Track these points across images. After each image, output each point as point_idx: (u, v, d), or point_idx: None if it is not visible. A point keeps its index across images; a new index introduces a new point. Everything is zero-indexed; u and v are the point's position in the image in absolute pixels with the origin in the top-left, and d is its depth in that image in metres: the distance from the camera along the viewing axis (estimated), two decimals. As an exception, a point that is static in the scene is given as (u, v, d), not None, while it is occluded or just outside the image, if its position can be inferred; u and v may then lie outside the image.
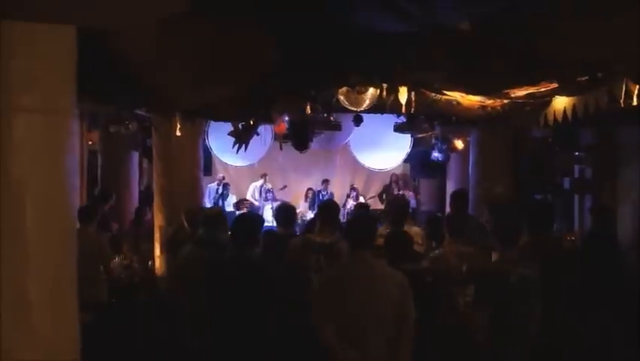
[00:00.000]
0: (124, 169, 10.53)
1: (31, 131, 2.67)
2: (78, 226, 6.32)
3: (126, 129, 8.77)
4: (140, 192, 11.02)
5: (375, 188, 13.99)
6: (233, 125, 7.40)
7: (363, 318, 3.36)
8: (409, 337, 3.42)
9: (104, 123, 8.98)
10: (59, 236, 2.81)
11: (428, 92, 5.51)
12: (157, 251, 7.79)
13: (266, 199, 12.62)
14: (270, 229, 6.13)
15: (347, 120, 9.37)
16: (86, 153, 8.59)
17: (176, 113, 6.18)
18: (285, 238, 4.97)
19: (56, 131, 2.81)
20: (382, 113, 6.81)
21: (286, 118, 8.62)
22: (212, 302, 4.10)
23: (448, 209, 7.41)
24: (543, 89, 4.93)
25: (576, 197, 10.02)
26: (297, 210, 12.42)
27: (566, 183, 10.25)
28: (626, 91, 4.60)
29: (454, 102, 5.79)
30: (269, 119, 7.67)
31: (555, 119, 5.86)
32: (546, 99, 5.64)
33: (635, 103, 4.63)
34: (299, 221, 9.64)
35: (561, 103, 5.68)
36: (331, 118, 8.95)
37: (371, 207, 12.21)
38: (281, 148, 10.77)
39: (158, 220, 7.89)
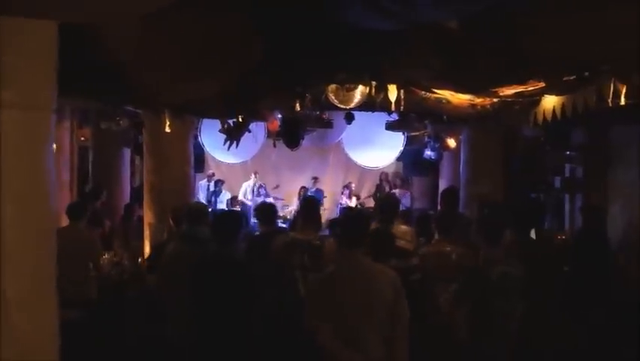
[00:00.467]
0: (115, 166, 10.52)
1: (9, 127, 2.63)
2: (68, 222, 6.37)
3: (117, 126, 8.75)
4: (132, 188, 11.00)
5: (369, 186, 14.02)
6: (221, 122, 7.39)
7: (359, 318, 3.33)
8: (404, 336, 3.40)
9: (96, 120, 8.95)
10: (38, 234, 2.78)
11: (418, 91, 5.50)
12: (147, 248, 7.77)
13: (258, 195, 12.60)
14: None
15: (340, 118, 9.38)
16: (77, 150, 8.56)
17: (165, 110, 6.15)
18: (267, 235, 4.95)
19: (36, 127, 2.78)
20: (373, 111, 6.80)
21: (279, 115, 8.61)
22: (195, 299, 4.09)
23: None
24: (531, 88, 4.93)
25: (567, 196, 10.04)
26: (290, 208, 12.57)
27: (557, 182, 10.27)
28: (614, 90, 4.60)
29: (444, 100, 5.79)
30: (259, 117, 7.66)
31: (545, 118, 5.87)
32: (535, 98, 5.64)
33: (622, 102, 4.63)
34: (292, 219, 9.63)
35: (550, 102, 5.68)
36: (323, 116, 8.93)
37: (365, 206, 12.34)
38: (274, 145, 10.76)
39: (148, 217, 7.87)
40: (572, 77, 4.37)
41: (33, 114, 2.75)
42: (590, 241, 7.05)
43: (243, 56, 3.74)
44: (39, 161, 2.81)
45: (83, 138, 10.77)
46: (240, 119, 6.81)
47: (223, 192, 12.62)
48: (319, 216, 5.07)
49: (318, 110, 7.77)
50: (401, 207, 12.06)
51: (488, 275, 3.47)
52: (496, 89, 5.05)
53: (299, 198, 12.96)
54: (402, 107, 5.66)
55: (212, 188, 12.32)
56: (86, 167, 10.50)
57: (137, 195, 10.32)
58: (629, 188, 8.31)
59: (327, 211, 13.14)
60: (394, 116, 8.79)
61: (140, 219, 8.54)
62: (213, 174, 12.80)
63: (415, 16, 2.87)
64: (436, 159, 10.73)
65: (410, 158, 12.26)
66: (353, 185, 13.64)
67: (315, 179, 13.29)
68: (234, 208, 12.72)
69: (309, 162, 13.96)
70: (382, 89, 5.32)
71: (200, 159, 11.57)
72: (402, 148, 12.28)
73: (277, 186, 12.99)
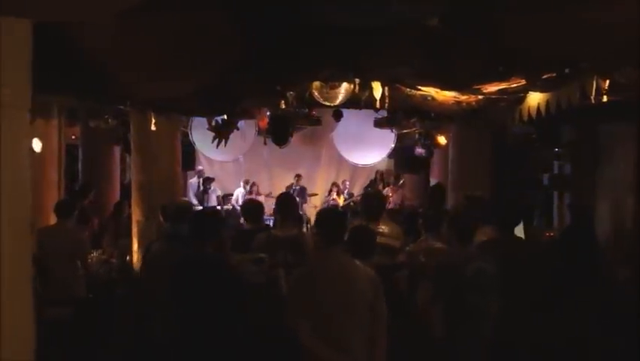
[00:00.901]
0: (105, 163, 10.53)
1: (-17, 125, 2.63)
2: (55, 220, 6.37)
3: (106, 124, 8.74)
4: (122, 185, 10.99)
5: (361, 183, 14.03)
6: (208, 120, 7.39)
7: (339, 317, 3.31)
8: (383, 335, 3.38)
9: (84, 118, 8.93)
10: (14, 234, 2.76)
11: (403, 88, 5.51)
12: (135, 246, 7.77)
13: (249, 194, 12.61)
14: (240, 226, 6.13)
15: (330, 115, 9.37)
16: (64, 148, 8.54)
17: (148, 108, 6.14)
18: (252, 233, 4.95)
19: (11, 126, 2.76)
20: (359, 109, 6.81)
21: (268, 113, 8.60)
22: (175, 298, 4.09)
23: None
24: (514, 85, 4.94)
25: (556, 193, 10.07)
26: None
27: (546, 179, 10.30)
28: (596, 87, 4.61)
29: (429, 98, 5.79)
30: (247, 114, 7.66)
31: (530, 115, 5.89)
32: (520, 95, 5.66)
33: (605, 99, 4.64)
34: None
35: (535, 99, 5.69)
36: (313, 113, 8.92)
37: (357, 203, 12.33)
38: (265, 143, 10.75)
39: (136, 215, 7.87)
40: (552, 75, 4.39)
41: (8, 113, 2.74)
42: (578, 238, 7.08)
43: (221, 54, 3.73)
44: (15, 159, 2.80)
45: (73, 137, 10.76)
46: (228, 117, 6.80)
47: (212, 188, 12.61)
48: (297, 212, 5.06)
49: (307, 108, 7.76)
50: (393, 205, 12.23)
51: (463, 272, 3.47)
52: (479, 86, 5.06)
53: (290, 196, 12.96)
54: (386, 105, 5.68)
55: (202, 186, 12.31)
56: (76, 165, 10.49)
57: (127, 192, 10.32)
58: (617, 185, 8.35)
59: (317, 209, 13.20)
60: (383, 113, 8.79)
61: (130, 216, 8.54)
62: (202, 171, 12.76)
63: (386, 14, 2.87)
64: (426, 157, 10.75)
65: (401, 155, 12.27)
66: (348, 182, 13.65)
67: (299, 176, 13.24)
68: (226, 206, 12.76)
69: (301, 160, 13.97)
70: (366, 86, 5.34)
71: (191, 157, 11.57)
72: (393, 145, 12.29)
73: (270, 193, 12.85)
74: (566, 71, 4.16)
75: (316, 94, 5.44)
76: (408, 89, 5.51)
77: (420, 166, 11.87)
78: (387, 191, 12.61)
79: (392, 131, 10.88)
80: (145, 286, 5.15)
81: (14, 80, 2.77)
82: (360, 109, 6.74)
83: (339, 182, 13.71)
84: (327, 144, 13.49)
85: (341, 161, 13.74)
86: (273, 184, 13.39)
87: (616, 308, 6.18)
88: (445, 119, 7.68)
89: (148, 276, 4.95)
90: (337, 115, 8.15)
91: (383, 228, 5.17)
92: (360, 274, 3.42)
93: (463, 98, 5.67)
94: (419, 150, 10.50)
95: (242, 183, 13.15)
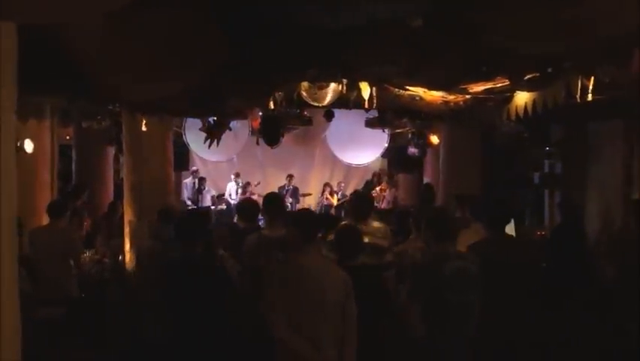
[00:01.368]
0: (98, 164, 10.55)
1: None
2: (48, 220, 6.39)
3: (99, 125, 8.78)
4: (116, 186, 11.02)
5: (355, 183, 14.06)
6: (202, 121, 7.42)
7: (312, 316, 3.35)
8: (352, 335, 3.42)
9: (77, 119, 8.96)
10: (0, 235, 2.78)
11: (391, 88, 5.55)
12: (127, 246, 7.80)
13: (244, 193, 12.64)
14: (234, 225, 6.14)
15: (322, 116, 9.39)
16: (58, 148, 8.56)
17: (136, 109, 6.17)
18: (246, 232, 4.98)
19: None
20: (349, 109, 6.84)
21: (260, 113, 8.63)
22: (166, 298, 4.12)
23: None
24: (500, 85, 4.98)
25: (546, 192, 10.13)
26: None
27: (537, 178, 10.35)
28: (581, 86, 4.66)
29: (417, 97, 5.84)
30: (240, 115, 7.70)
31: (517, 114, 5.93)
32: (507, 95, 5.70)
33: (590, 98, 4.68)
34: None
35: (522, 98, 5.73)
36: (305, 113, 8.95)
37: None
38: (257, 143, 10.78)
39: (128, 215, 7.90)
40: (535, 75, 4.43)
41: (-7, 115, 2.76)
42: (568, 236, 7.12)
43: (207, 54, 3.76)
44: (1, 161, 2.82)
45: (68, 137, 10.78)
46: (219, 118, 6.83)
47: (206, 189, 12.65)
48: (285, 211, 5.07)
49: (298, 109, 7.80)
50: (386, 205, 12.28)
51: (441, 271, 3.50)
52: (465, 86, 5.11)
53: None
54: (374, 105, 5.72)
55: (196, 186, 12.36)
56: (69, 166, 10.52)
57: (121, 192, 10.34)
58: (607, 184, 8.40)
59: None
60: (374, 113, 8.83)
61: (123, 217, 8.56)
62: (197, 171, 12.81)
63: (362, 13, 2.90)
64: (420, 156, 10.79)
65: (395, 155, 12.33)
66: (342, 184, 13.67)
67: (290, 177, 13.29)
68: (220, 206, 12.80)
69: (295, 160, 14.01)
70: (354, 87, 5.38)
71: (185, 158, 11.61)
72: (386, 145, 12.34)
73: (258, 183, 12.98)
74: (549, 70, 4.20)
75: (304, 94, 5.47)
76: (396, 90, 5.56)
77: (413, 166, 11.92)
78: (380, 188, 12.64)
79: (384, 131, 10.92)
80: (137, 286, 5.19)
81: (1, 83, 2.79)
82: (350, 109, 6.78)
83: (333, 182, 13.74)
84: (321, 143, 13.54)
85: (335, 161, 13.78)
86: (267, 184, 13.42)
87: (604, 305, 6.23)
88: (435, 118, 7.73)
89: (140, 275, 4.99)
90: (328, 115, 8.20)
91: (371, 227, 5.21)
92: (332, 275, 3.46)
93: (451, 97, 5.71)
94: (412, 150, 10.55)
95: (232, 177, 13.18)
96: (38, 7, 2.71)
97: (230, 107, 5.85)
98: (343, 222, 4.99)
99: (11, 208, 2.94)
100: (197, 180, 12.49)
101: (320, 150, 14.02)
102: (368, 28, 3.68)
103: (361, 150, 12.76)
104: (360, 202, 5.46)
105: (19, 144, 6.78)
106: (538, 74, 4.37)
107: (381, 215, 7.55)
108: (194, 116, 6.62)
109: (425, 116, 7.54)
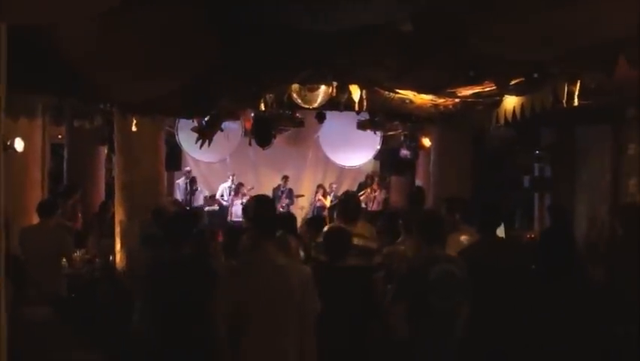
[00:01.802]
0: (90, 163, 10.53)
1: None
2: (38, 220, 6.39)
3: (91, 124, 8.78)
4: (108, 185, 11.01)
5: (348, 184, 14.05)
6: (197, 121, 7.44)
7: (270, 315, 3.20)
8: (310, 332, 3.26)
9: (69, 118, 8.96)
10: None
11: (381, 91, 5.59)
12: (117, 246, 7.81)
13: (236, 194, 12.65)
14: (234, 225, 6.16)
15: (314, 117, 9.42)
16: (49, 147, 8.56)
17: (127, 108, 6.18)
18: (241, 232, 4.97)
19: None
20: (340, 111, 6.87)
21: (252, 114, 8.65)
22: (154, 298, 4.14)
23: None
24: (488, 89, 5.03)
25: (536, 195, 10.19)
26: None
27: (527, 181, 10.42)
28: (568, 91, 4.71)
29: (407, 100, 5.88)
30: (231, 116, 7.72)
31: (506, 118, 5.99)
32: (496, 99, 5.76)
33: (576, 103, 4.74)
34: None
35: (511, 103, 5.80)
36: (297, 114, 8.98)
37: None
38: (250, 144, 10.79)
39: (119, 215, 7.90)
40: (521, 80, 4.48)
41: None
42: (557, 239, 7.17)
43: (197, 55, 3.79)
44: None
45: (60, 136, 10.77)
46: (211, 118, 6.86)
47: (199, 189, 12.65)
48: (275, 212, 5.05)
49: (289, 110, 7.82)
50: (377, 206, 12.31)
51: (426, 274, 3.50)
52: (453, 90, 5.15)
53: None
54: (364, 107, 5.76)
55: (189, 187, 12.35)
56: (61, 165, 10.50)
57: (112, 192, 10.34)
58: (595, 187, 8.47)
59: (304, 210, 13.25)
60: (366, 116, 8.87)
61: (114, 216, 8.57)
62: (190, 171, 12.80)
63: (340, 18, 2.93)
64: (412, 158, 10.84)
65: (387, 157, 12.36)
66: (335, 185, 13.68)
67: (286, 178, 13.29)
68: (212, 206, 12.81)
69: (288, 161, 14.00)
70: (344, 89, 5.41)
71: (177, 158, 11.61)
72: (378, 147, 12.38)
73: (252, 188, 12.95)
74: (535, 75, 4.24)
75: (295, 96, 5.49)
76: (386, 92, 5.60)
77: (405, 168, 11.96)
78: (371, 188, 12.68)
79: (375, 133, 10.96)
80: (127, 285, 5.21)
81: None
82: (341, 111, 6.81)
83: (326, 184, 13.74)
84: (314, 145, 13.55)
85: (327, 162, 13.80)
86: (260, 185, 13.42)
87: (593, 308, 6.27)
88: (426, 121, 7.78)
89: (130, 275, 5.01)
90: (320, 117, 8.23)
91: (360, 230, 5.24)
92: (289, 272, 3.28)
93: (440, 101, 5.76)
94: (404, 152, 10.59)
95: (230, 177, 13.14)
96: (28, 8, 2.73)
97: (221, 108, 5.87)
98: (332, 224, 5.01)
99: (-1, 207, 2.95)
100: (189, 181, 12.49)
101: (313, 151, 14.02)
102: (358, 31, 3.72)
103: (354, 151, 12.79)
104: (348, 204, 5.50)
105: (9, 143, 6.77)
106: (524, 80, 4.41)
107: (371, 217, 7.56)
108: (185, 117, 6.64)
109: (416, 119, 7.58)
